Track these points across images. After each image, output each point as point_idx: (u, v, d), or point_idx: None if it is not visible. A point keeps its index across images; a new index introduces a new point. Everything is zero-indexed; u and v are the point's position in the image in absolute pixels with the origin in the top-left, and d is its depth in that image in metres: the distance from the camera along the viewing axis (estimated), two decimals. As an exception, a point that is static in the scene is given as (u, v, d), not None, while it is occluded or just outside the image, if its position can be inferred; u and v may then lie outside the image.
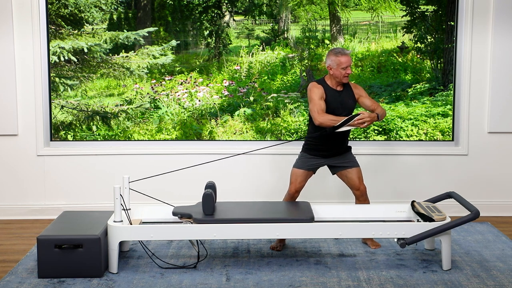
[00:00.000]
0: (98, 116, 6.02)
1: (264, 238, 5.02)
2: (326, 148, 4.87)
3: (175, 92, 6.04)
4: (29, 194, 5.92)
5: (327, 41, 6.07)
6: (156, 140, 6.03)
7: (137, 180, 4.75)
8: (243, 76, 6.08)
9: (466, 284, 4.29)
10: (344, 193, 5.61)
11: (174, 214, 4.65)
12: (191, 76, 6.05)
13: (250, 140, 6.00)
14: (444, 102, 6.01)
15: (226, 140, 6.01)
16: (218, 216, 4.56)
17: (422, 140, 6.03)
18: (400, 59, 6.07)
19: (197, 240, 4.69)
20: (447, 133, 6.02)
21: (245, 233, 4.49)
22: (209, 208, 4.56)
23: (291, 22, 6.12)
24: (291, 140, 5.65)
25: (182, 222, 4.59)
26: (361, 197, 4.95)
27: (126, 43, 5.98)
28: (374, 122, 5.12)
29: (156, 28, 6.02)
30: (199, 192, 5.80)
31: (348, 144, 4.98)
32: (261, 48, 6.11)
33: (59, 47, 5.90)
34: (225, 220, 4.51)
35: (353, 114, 4.69)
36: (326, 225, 4.49)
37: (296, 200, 4.97)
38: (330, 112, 4.75)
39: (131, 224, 4.50)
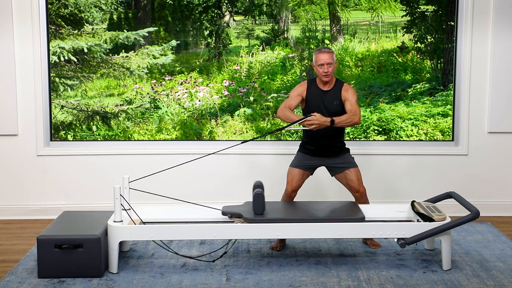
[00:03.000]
0: (98, 116, 6.02)
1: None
2: (314, 147, 4.88)
3: (175, 92, 6.04)
4: (29, 194, 5.92)
5: (327, 41, 6.07)
6: (156, 140, 6.03)
7: (136, 180, 4.75)
8: (243, 76, 6.08)
9: (466, 284, 4.29)
10: (342, 194, 5.61)
11: (223, 214, 4.66)
12: (191, 76, 6.05)
13: (249, 140, 5.99)
14: (444, 102, 6.01)
15: (226, 140, 6.01)
16: (268, 216, 4.56)
17: (422, 140, 6.03)
18: (400, 59, 6.07)
19: (229, 240, 4.72)
20: (447, 133, 6.02)
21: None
22: (260, 208, 4.56)
23: (291, 22, 6.12)
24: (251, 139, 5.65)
25: (232, 221, 4.60)
26: (361, 199, 4.94)
27: (126, 43, 5.98)
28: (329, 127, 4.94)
29: (156, 28, 6.02)
30: (199, 192, 5.81)
31: (346, 146, 4.96)
32: (261, 48, 6.11)
33: (59, 47, 5.90)
34: (277, 219, 4.52)
35: (308, 115, 4.65)
36: (326, 225, 4.49)
37: (346, 200, 4.98)
38: (311, 111, 4.74)
39: (134, 223, 4.51)
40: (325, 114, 4.74)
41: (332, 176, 5.00)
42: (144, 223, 4.64)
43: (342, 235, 4.48)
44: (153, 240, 4.78)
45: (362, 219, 4.53)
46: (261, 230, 4.47)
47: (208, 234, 4.43)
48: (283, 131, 4.82)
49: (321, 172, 5.16)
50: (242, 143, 5.11)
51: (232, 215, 4.61)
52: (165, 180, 5.64)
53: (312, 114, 4.64)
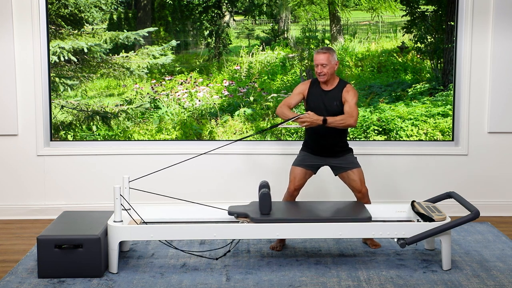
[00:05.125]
0: (98, 116, 6.02)
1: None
2: (314, 145, 4.89)
3: (175, 92, 6.04)
4: (29, 194, 5.92)
5: (327, 41, 6.07)
6: (156, 140, 6.03)
7: (136, 179, 4.75)
8: (243, 76, 6.08)
9: (466, 284, 4.29)
10: (345, 193, 5.61)
11: (230, 213, 4.65)
12: (191, 76, 6.05)
13: (250, 140, 6.00)
14: (444, 102, 6.01)
15: (226, 140, 6.01)
16: (275, 216, 4.56)
17: (422, 140, 6.03)
18: (400, 59, 6.07)
19: (232, 240, 4.74)
20: (447, 133, 6.02)
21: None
22: (266, 208, 4.55)
23: (291, 22, 6.12)
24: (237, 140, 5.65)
25: (238, 221, 4.60)
26: (363, 200, 4.94)
27: (126, 43, 5.98)
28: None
29: (156, 28, 6.02)
30: (199, 192, 5.81)
31: (349, 147, 4.96)
32: (261, 48, 6.11)
33: (59, 47, 5.90)
34: (284, 219, 4.51)
35: (302, 113, 4.71)
36: (326, 225, 4.49)
37: (351, 200, 4.98)
38: (311, 110, 4.76)
39: (137, 223, 4.52)
40: (324, 114, 4.74)
41: (335, 175, 5.00)
42: (145, 222, 4.64)
43: (342, 235, 4.48)
44: (159, 240, 4.80)
45: (368, 218, 4.53)
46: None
47: (208, 234, 4.43)
48: (279, 127, 4.83)
49: (324, 171, 5.16)
50: (232, 142, 5.13)
51: (239, 215, 4.61)
52: (165, 180, 5.64)
53: (306, 112, 4.69)
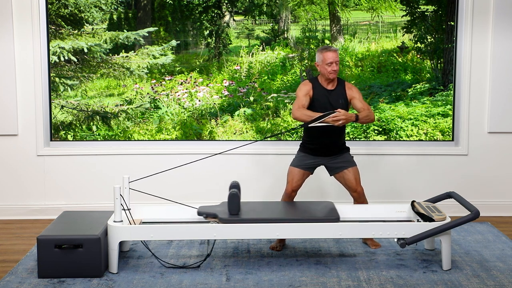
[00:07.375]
0: (98, 116, 6.02)
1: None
2: (318, 146, 4.86)
3: (175, 92, 6.04)
4: (29, 194, 5.92)
5: (327, 41, 6.07)
6: (156, 140, 6.03)
7: (136, 180, 4.75)
8: (243, 76, 6.08)
9: (466, 284, 4.29)
10: (342, 193, 5.60)
11: (199, 214, 4.66)
12: (191, 76, 6.05)
13: (250, 140, 6.00)
14: (444, 102, 6.01)
15: (226, 140, 6.01)
16: (243, 216, 4.56)
17: (422, 140, 6.03)
18: (400, 59, 6.07)
19: (208, 241, 4.70)
20: (447, 133, 6.02)
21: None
22: (235, 208, 4.56)
23: (291, 22, 6.12)
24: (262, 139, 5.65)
25: (208, 222, 4.60)
26: (359, 199, 4.94)
27: (126, 43, 5.98)
28: (356, 124, 5.13)
29: (156, 28, 6.02)
30: (199, 192, 5.81)
31: (346, 145, 4.96)
32: (261, 48, 6.11)
33: (59, 47, 5.90)
34: (251, 220, 4.51)
35: (332, 111, 4.62)
36: (326, 225, 4.49)
37: (320, 201, 4.98)
38: (315, 110, 4.73)
39: (133, 223, 4.51)
40: None
41: (331, 175, 4.99)
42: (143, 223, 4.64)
43: (342, 235, 4.48)
44: (141, 241, 4.79)
45: (336, 219, 4.54)
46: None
47: (208, 234, 4.43)
48: (311, 125, 4.70)
49: (321, 171, 5.16)
50: (252, 142, 5.13)
51: (208, 215, 4.61)
52: (166, 180, 5.64)
53: (335, 110, 4.62)
